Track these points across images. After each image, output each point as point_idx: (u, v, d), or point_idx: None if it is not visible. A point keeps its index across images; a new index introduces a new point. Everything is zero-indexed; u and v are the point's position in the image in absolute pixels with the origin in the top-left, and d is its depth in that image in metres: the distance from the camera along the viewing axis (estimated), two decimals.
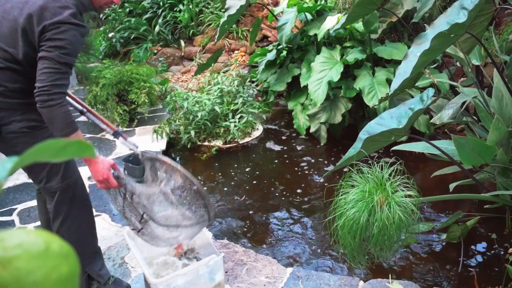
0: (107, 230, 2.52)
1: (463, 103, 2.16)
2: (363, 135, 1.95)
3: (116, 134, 1.88)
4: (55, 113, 1.46)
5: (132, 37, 5.91)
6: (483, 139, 2.10)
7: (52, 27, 1.44)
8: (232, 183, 3.09)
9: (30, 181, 3.14)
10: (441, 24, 1.87)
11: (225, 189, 3.02)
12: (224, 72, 4.48)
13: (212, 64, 4.02)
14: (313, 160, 3.33)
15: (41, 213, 1.95)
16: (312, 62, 3.33)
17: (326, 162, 3.31)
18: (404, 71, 1.89)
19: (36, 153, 0.31)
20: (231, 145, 3.54)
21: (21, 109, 1.55)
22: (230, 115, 3.66)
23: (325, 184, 2.68)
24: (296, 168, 3.22)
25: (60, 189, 1.70)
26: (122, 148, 3.48)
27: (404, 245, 2.19)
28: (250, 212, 2.74)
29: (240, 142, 3.55)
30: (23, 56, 1.49)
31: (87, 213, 1.84)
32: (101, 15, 6.57)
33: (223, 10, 4.44)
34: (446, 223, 2.32)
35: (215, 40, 4.14)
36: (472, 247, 2.26)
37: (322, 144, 3.42)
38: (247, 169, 3.26)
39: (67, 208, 1.74)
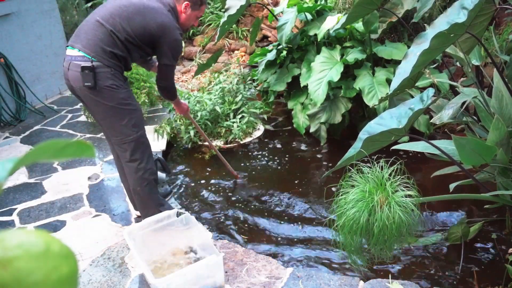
0: (107, 230, 2.52)
1: (463, 103, 2.16)
2: (363, 135, 1.94)
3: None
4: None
5: None
6: (483, 139, 2.10)
7: (171, 47, 2.19)
8: (232, 183, 3.09)
9: (30, 181, 3.14)
10: (441, 24, 1.87)
11: (225, 189, 3.02)
12: (226, 71, 4.48)
13: (212, 64, 4.02)
14: (313, 160, 3.33)
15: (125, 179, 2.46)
16: (312, 62, 3.33)
17: (326, 162, 3.31)
18: (403, 71, 1.89)
19: (37, 153, 0.31)
20: (232, 145, 3.54)
21: (114, 69, 2.09)
22: (232, 115, 3.66)
23: (325, 184, 2.67)
24: (296, 168, 3.22)
25: (135, 139, 2.20)
26: None
27: (404, 245, 2.19)
28: (251, 212, 2.74)
29: (241, 142, 3.55)
30: (130, 39, 2.10)
31: (151, 154, 2.36)
32: None
33: (223, 10, 4.44)
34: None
35: (215, 40, 4.14)
36: (472, 247, 2.26)
37: (322, 144, 3.42)
38: (247, 169, 3.26)
39: (141, 151, 2.25)
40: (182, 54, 5.65)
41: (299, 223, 2.60)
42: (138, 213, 2.59)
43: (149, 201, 2.36)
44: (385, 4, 3.06)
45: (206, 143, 3.53)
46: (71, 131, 4.00)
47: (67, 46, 2.16)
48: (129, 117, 2.17)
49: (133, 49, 2.16)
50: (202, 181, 3.13)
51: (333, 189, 1.93)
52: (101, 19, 2.09)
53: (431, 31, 1.83)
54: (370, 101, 3.02)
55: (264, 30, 5.20)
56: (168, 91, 2.41)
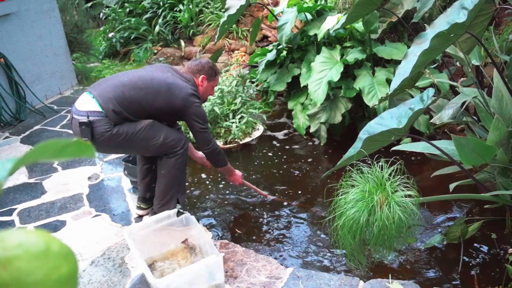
0: (107, 230, 2.52)
1: (463, 103, 2.16)
2: (363, 135, 1.95)
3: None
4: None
5: (132, 37, 5.91)
6: (483, 139, 2.10)
7: (196, 113, 2.25)
8: (232, 183, 3.09)
9: (30, 181, 3.14)
10: (441, 24, 1.87)
11: (225, 189, 3.02)
12: (225, 72, 4.48)
13: None
14: (313, 160, 3.33)
15: (139, 168, 2.51)
16: (312, 62, 3.33)
17: (326, 162, 3.31)
18: (403, 71, 1.90)
19: (37, 153, 0.31)
20: (231, 145, 3.53)
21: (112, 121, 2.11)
22: (231, 115, 3.66)
23: (325, 184, 2.67)
24: (296, 168, 3.22)
25: (162, 143, 2.21)
26: None
27: (404, 245, 2.19)
28: (250, 212, 2.74)
29: (241, 143, 3.55)
30: (150, 111, 2.19)
31: (182, 138, 2.33)
32: (101, 15, 6.57)
33: (223, 10, 4.44)
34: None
35: (215, 40, 4.14)
36: (472, 247, 2.26)
37: (322, 144, 3.42)
38: (247, 169, 3.26)
39: (172, 145, 2.25)
40: (183, 54, 5.66)
41: (299, 222, 2.60)
42: (138, 212, 2.60)
43: (175, 186, 2.35)
44: (385, 4, 3.06)
45: None
46: (71, 131, 3.99)
47: (86, 92, 2.18)
48: (142, 138, 2.17)
49: (156, 117, 2.23)
50: (202, 181, 3.13)
51: (333, 189, 1.93)
52: (128, 83, 2.15)
53: (431, 31, 1.83)
54: (370, 101, 3.02)
55: (264, 30, 5.20)
56: (216, 154, 2.39)
